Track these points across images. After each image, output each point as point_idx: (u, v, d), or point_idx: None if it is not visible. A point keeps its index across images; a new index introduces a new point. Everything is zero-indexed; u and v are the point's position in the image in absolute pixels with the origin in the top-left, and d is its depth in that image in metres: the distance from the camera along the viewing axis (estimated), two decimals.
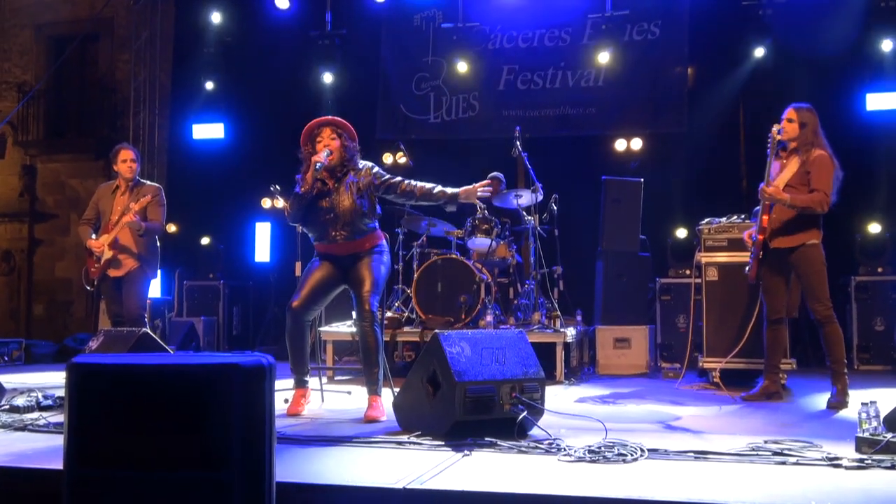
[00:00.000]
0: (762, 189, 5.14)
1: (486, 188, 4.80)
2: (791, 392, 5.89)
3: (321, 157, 4.68)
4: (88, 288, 6.35)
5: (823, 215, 5.21)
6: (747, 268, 5.42)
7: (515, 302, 7.47)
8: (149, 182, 6.45)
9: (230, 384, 2.18)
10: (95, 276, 6.20)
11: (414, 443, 3.73)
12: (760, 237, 5.27)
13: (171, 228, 10.42)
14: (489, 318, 6.83)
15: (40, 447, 3.70)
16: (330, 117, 4.96)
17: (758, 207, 5.42)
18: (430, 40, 10.12)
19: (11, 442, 3.87)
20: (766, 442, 3.59)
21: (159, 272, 6.66)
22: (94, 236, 6.25)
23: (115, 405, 2.22)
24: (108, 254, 6.13)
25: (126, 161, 6.26)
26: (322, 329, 7.10)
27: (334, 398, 5.55)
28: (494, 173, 8.41)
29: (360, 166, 4.86)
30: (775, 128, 5.23)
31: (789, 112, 5.25)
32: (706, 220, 6.42)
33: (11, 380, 6.61)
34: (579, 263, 8.37)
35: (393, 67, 10.35)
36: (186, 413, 2.20)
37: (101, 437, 2.22)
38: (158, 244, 6.39)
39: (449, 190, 4.82)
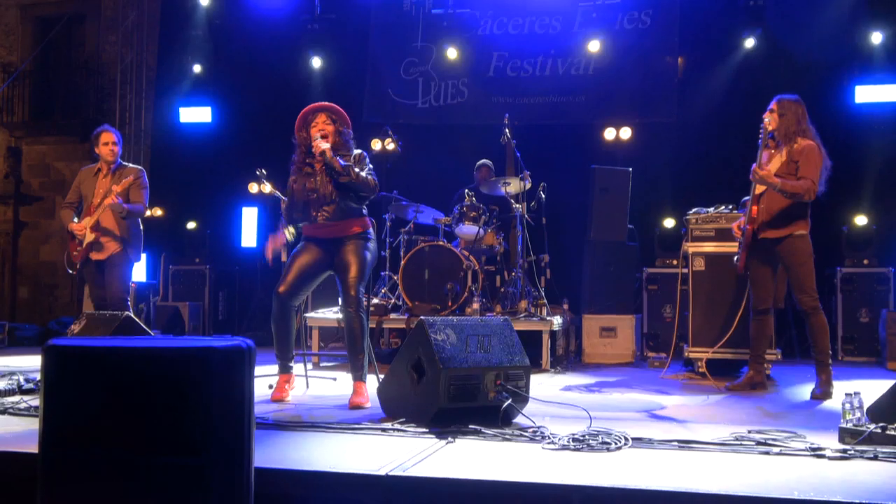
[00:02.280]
0: (754, 170, 5.15)
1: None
2: (776, 382, 5.91)
3: (326, 148, 4.62)
4: (71, 272, 6.30)
5: (811, 206, 5.22)
6: (736, 258, 5.42)
7: (502, 290, 7.45)
8: (131, 164, 6.40)
9: (207, 367, 2.14)
10: (78, 259, 6.15)
11: (398, 429, 3.72)
12: (749, 227, 5.27)
13: (157, 212, 10.35)
14: (476, 305, 6.82)
15: (20, 430, 3.67)
16: (325, 103, 4.91)
17: (746, 198, 5.43)
18: (420, 26, 10.05)
19: None
20: (750, 432, 3.59)
21: (144, 256, 6.61)
22: (76, 219, 6.19)
23: (91, 388, 2.19)
24: (90, 237, 6.07)
25: (108, 144, 6.19)
26: (308, 315, 7.07)
27: (319, 384, 5.53)
28: (485, 160, 8.47)
29: (352, 152, 4.82)
30: (766, 118, 5.26)
31: (772, 104, 5.28)
32: (694, 209, 6.42)
33: None
34: (567, 252, 8.36)
35: (382, 52, 10.29)
36: (163, 396, 2.16)
37: (77, 421, 2.19)
38: (141, 227, 6.34)
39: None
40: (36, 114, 12.84)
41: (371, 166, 4.86)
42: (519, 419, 3.92)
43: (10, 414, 4.12)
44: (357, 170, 4.67)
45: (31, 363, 6.76)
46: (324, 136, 4.71)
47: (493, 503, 2.80)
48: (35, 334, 9.82)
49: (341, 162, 4.62)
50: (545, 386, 5.62)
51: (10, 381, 4.85)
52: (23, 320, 11.31)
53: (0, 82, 12.36)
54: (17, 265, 12.79)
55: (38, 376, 5.05)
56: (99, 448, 2.17)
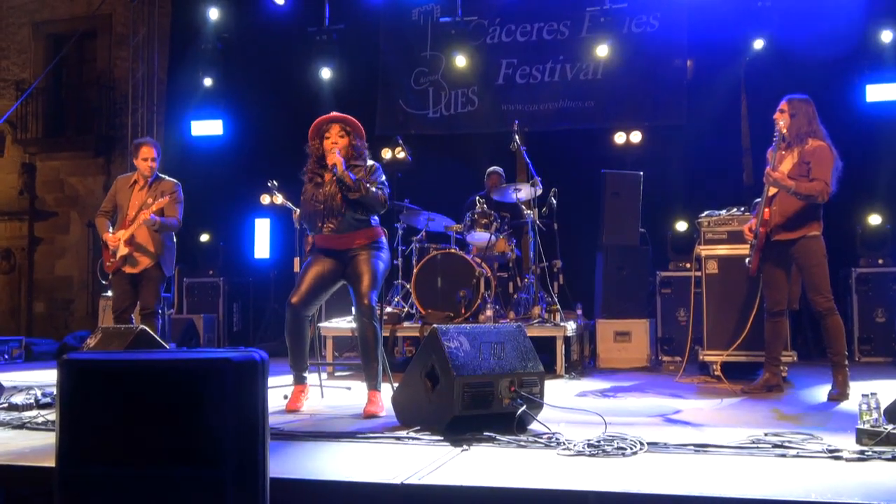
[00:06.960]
0: (768, 172, 5.14)
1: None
2: (792, 384, 5.87)
3: (338, 161, 4.62)
4: (104, 282, 6.32)
5: (824, 207, 5.20)
6: (748, 260, 5.40)
7: (515, 296, 7.45)
8: (167, 177, 6.34)
9: (221, 379, 2.15)
10: (111, 270, 6.15)
11: (412, 438, 3.71)
12: (762, 230, 5.25)
13: None
14: (489, 312, 6.82)
15: (38, 445, 3.68)
16: (339, 114, 4.90)
17: (758, 199, 5.41)
18: (429, 35, 10.10)
19: (9, 440, 3.86)
20: (766, 434, 3.57)
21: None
22: (111, 229, 6.20)
23: (106, 402, 2.21)
24: (123, 250, 6.05)
25: (147, 160, 6.17)
26: (322, 325, 7.09)
27: (334, 394, 5.54)
28: (495, 167, 8.48)
29: (366, 164, 4.82)
30: (779, 120, 5.24)
31: (782, 104, 5.27)
32: (706, 212, 6.41)
33: (11, 378, 6.61)
34: (579, 257, 8.35)
35: (391, 62, 10.34)
36: (177, 409, 2.18)
37: (93, 434, 2.20)
38: (175, 241, 6.33)
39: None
40: (49, 130, 12.96)
41: (384, 178, 4.85)
42: (534, 426, 3.92)
43: (28, 428, 4.15)
44: (368, 185, 4.66)
45: (48, 378, 6.80)
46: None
47: None
48: (52, 349, 9.87)
49: (352, 177, 4.62)
50: (560, 392, 5.61)
51: (28, 396, 4.88)
52: (39, 335, 11.39)
53: (14, 99, 12.48)
54: (32, 280, 12.89)
55: (55, 391, 5.08)
56: (114, 461, 2.18)
